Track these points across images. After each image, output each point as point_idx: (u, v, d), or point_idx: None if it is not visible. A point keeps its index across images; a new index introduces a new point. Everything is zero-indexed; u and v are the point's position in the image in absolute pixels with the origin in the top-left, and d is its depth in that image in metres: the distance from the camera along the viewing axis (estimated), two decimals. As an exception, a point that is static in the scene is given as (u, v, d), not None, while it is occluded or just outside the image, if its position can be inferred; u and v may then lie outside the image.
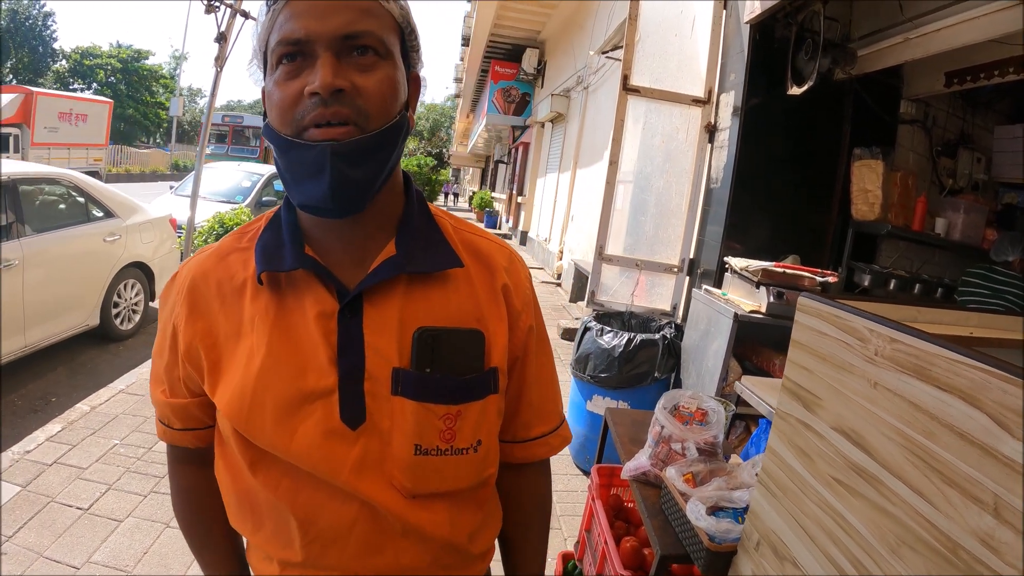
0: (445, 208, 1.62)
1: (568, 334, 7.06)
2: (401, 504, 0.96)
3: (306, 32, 0.84)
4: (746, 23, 4.05)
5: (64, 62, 45.68)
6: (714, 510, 1.81)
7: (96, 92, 44.96)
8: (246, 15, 5.10)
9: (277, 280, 0.97)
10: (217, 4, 4.90)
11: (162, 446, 3.97)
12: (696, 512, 1.77)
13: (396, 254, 0.97)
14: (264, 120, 0.94)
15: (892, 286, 3.92)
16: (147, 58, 48.50)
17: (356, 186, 0.88)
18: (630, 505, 2.66)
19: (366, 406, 0.94)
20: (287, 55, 0.87)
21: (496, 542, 1.19)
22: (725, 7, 4.49)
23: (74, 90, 45.01)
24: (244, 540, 1.13)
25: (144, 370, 5.30)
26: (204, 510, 1.16)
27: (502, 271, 1.06)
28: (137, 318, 6.50)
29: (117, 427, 4.22)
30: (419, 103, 1.06)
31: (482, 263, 1.05)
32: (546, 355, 1.15)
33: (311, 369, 0.94)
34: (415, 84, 1.00)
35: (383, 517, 0.96)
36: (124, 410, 4.50)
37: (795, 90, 3.87)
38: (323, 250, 0.98)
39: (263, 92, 0.94)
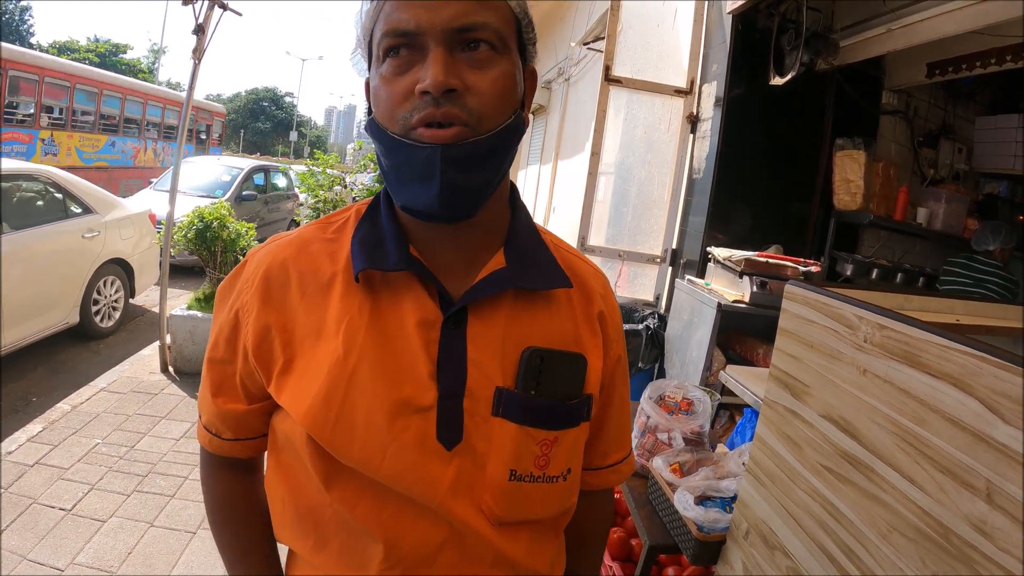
0: None
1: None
2: (489, 531, 0.90)
3: (416, 24, 0.78)
4: (728, 13, 4.05)
5: (40, 57, 45.03)
6: (702, 500, 1.81)
7: (73, 87, 44.34)
8: (224, 7, 5.04)
9: (372, 279, 0.91)
10: (195, -4, 4.84)
11: (145, 444, 3.98)
12: (684, 502, 1.77)
13: (506, 267, 0.91)
14: (368, 115, 0.88)
15: (874, 275, 3.95)
16: (125, 52, 47.66)
17: (467, 192, 0.83)
18: (617, 496, 2.66)
19: (463, 425, 0.88)
20: (394, 47, 0.81)
21: None
22: (707, -3, 4.50)
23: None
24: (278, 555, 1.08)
25: (124, 368, 5.26)
26: (242, 518, 1.09)
27: (599, 297, 1.02)
28: (117, 315, 6.44)
29: (99, 426, 4.18)
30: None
31: (580, 286, 1.00)
32: (626, 384, 1.10)
33: (409, 381, 0.87)
34: (531, 79, 0.94)
35: (472, 544, 0.90)
36: (105, 409, 4.46)
37: (777, 80, 3.87)
38: (428, 252, 0.91)
39: (366, 84, 0.88)
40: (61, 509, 3.22)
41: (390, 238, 0.91)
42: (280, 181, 13.80)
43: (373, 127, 0.85)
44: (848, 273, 3.96)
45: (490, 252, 0.93)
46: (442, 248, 0.92)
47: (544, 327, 0.93)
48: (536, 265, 0.94)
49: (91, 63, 44.41)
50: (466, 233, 0.91)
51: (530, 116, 0.94)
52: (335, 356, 0.87)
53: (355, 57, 0.91)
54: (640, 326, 3.96)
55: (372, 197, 0.99)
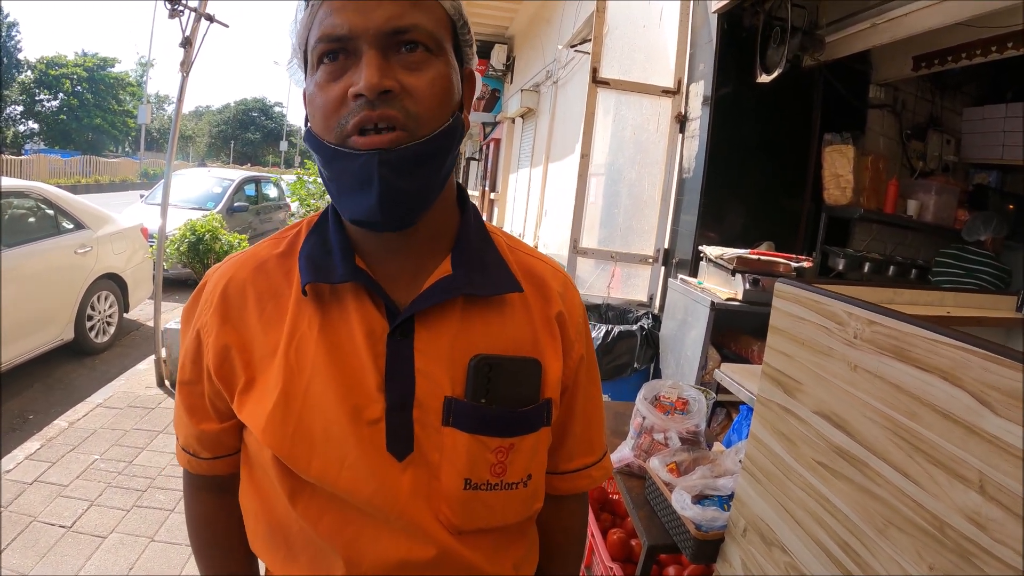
0: None
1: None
2: (448, 540, 0.89)
3: (349, 28, 0.77)
4: (714, 12, 4.05)
5: (29, 73, 44.77)
6: (699, 498, 1.81)
7: (62, 102, 44.14)
8: (211, 19, 5.04)
9: (321, 292, 0.90)
10: (181, 8, 4.84)
11: (143, 459, 3.96)
12: (682, 501, 1.78)
13: (452, 274, 0.90)
14: (306, 125, 0.87)
15: (866, 269, 3.96)
16: (113, 65, 47.51)
17: (408, 198, 0.81)
18: (615, 497, 2.67)
19: (414, 436, 0.87)
20: (328, 53, 0.80)
21: None
22: (692, -3, 4.51)
23: (40, 101, 44.12)
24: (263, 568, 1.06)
25: (120, 383, 5.25)
26: (222, 540, 1.09)
27: (557, 297, 0.99)
28: (112, 330, 6.42)
29: (96, 442, 4.18)
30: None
31: (537, 287, 0.98)
32: (594, 384, 1.08)
33: (358, 394, 0.87)
34: (469, 81, 0.93)
35: (433, 558, 0.88)
36: (102, 424, 4.45)
37: (764, 78, 3.88)
38: (373, 262, 0.91)
39: (304, 94, 0.87)
40: (61, 526, 3.22)
41: (336, 250, 0.90)
42: (271, 191, 13.82)
43: (310, 138, 0.85)
44: (840, 268, 3.97)
45: (437, 259, 0.92)
46: (389, 258, 0.91)
47: (496, 333, 0.91)
48: (484, 270, 0.93)
49: (79, 78, 44.45)
50: (412, 241, 0.91)
51: (469, 119, 0.92)
52: (289, 371, 0.88)
53: (291, 67, 0.90)
54: (634, 327, 3.97)
55: (322, 209, 0.98)
